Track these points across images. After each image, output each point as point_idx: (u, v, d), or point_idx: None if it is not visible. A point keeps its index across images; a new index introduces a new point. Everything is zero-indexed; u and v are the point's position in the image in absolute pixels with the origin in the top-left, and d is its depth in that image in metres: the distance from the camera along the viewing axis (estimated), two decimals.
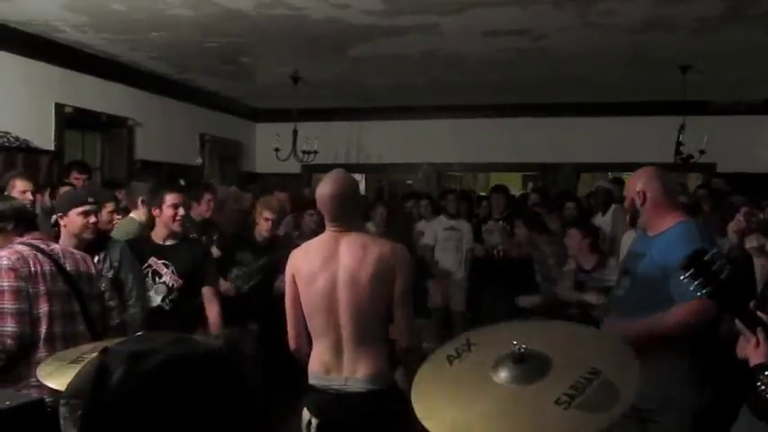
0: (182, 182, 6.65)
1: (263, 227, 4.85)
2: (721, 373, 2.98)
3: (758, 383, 1.87)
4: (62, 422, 1.01)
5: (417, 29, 5.21)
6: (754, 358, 1.92)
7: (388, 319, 2.78)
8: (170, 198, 3.88)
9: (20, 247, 2.82)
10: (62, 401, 1.03)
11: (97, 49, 6.03)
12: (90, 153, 6.86)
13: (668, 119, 7.15)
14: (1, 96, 5.34)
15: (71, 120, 6.09)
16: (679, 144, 6.83)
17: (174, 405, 0.86)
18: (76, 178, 5.29)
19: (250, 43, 5.81)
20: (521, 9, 4.72)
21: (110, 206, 4.03)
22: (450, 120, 8.99)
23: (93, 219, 3.34)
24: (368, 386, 2.70)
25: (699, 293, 1.90)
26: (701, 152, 6.77)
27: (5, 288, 2.68)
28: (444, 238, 6.82)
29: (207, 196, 5.14)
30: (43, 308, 2.76)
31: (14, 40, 5.38)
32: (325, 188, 2.76)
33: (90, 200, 3.37)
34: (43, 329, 2.75)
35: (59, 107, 5.92)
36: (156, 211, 3.92)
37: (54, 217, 3.51)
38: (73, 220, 3.31)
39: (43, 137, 5.73)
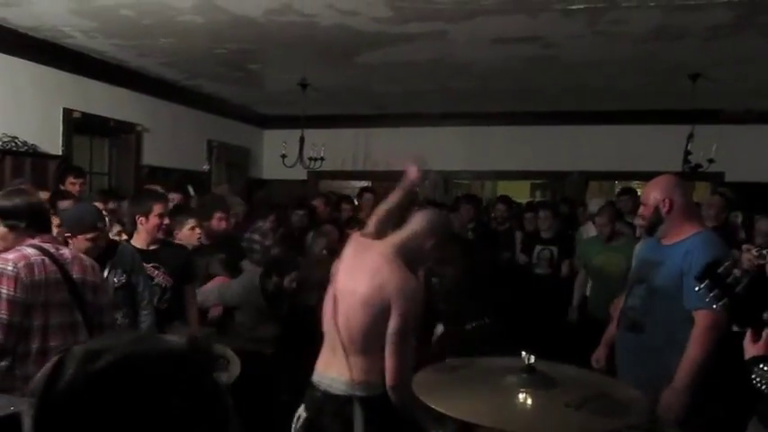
0: (189, 188, 6.66)
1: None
2: (732, 386, 2.96)
3: (753, 376, 1.88)
4: (24, 420, 1.00)
5: (426, 36, 5.20)
6: (750, 351, 1.93)
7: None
8: (157, 208, 4.02)
9: (29, 251, 2.72)
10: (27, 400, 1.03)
11: (106, 54, 6.04)
12: (98, 158, 6.88)
13: (677, 127, 7.11)
14: (9, 101, 5.35)
15: (79, 125, 6.10)
16: (687, 153, 6.79)
17: (124, 404, 0.84)
18: (72, 183, 5.30)
19: (259, 50, 5.81)
20: (530, 17, 4.70)
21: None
22: (458, 127, 8.97)
23: (101, 242, 3.42)
24: (350, 391, 2.70)
25: (714, 305, 1.89)
26: (710, 161, 6.72)
27: (2, 297, 2.59)
28: None
29: (218, 214, 5.09)
30: (38, 321, 2.65)
31: (23, 45, 5.39)
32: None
33: (99, 225, 3.42)
34: (36, 344, 2.64)
35: (67, 112, 5.93)
36: (141, 219, 4.02)
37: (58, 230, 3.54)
38: (80, 243, 3.36)
39: (51, 142, 5.74)
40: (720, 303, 1.89)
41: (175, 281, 4.07)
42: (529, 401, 1.82)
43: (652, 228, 3.12)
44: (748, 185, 7.56)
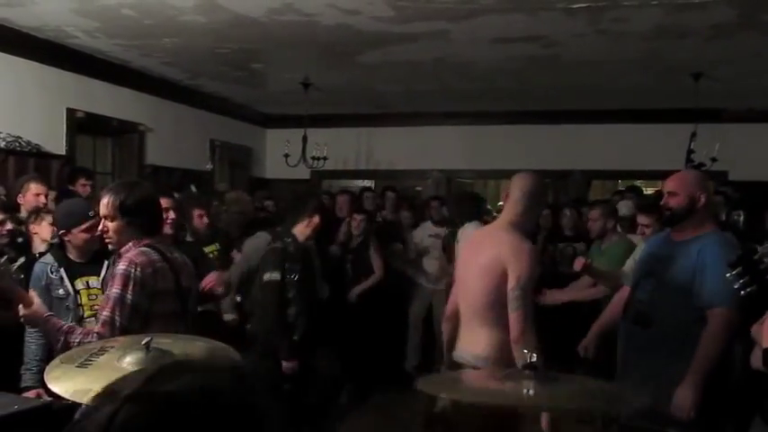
0: (192, 188, 6.68)
1: None
2: (736, 388, 2.97)
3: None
4: None
5: (428, 35, 5.21)
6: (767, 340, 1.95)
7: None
8: (162, 203, 3.88)
9: (154, 257, 2.62)
10: None
11: (109, 54, 6.06)
12: (101, 158, 6.90)
13: (680, 126, 7.10)
14: (13, 101, 5.37)
15: (82, 125, 6.11)
16: (690, 152, 6.78)
17: None
18: (83, 185, 5.31)
19: (261, 49, 5.82)
20: (531, 16, 4.70)
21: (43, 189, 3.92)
22: (461, 126, 8.97)
23: (96, 234, 3.26)
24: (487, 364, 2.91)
25: (742, 292, 1.90)
26: (713, 160, 6.72)
27: (128, 303, 2.52)
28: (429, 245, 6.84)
29: (197, 212, 4.84)
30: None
31: (27, 45, 5.41)
32: None
33: (90, 214, 3.32)
34: None
35: (71, 112, 5.95)
36: None
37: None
38: (76, 237, 3.34)
39: (55, 142, 5.76)
40: (748, 290, 1.90)
41: None
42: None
43: (678, 219, 3.04)
44: (752, 184, 7.54)
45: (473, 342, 3.00)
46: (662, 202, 3.10)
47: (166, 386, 0.83)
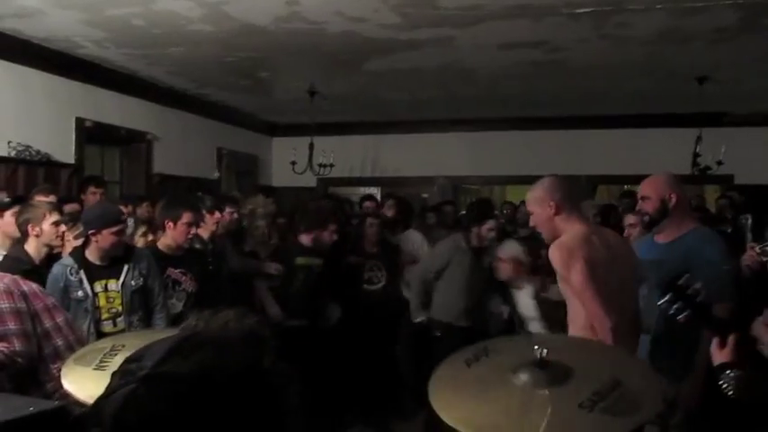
0: (200, 195, 6.70)
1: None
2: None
3: (720, 382, 1.93)
4: None
5: (433, 42, 5.24)
6: (718, 358, 2.01)
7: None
8: (186, 216, 4.05)
9: None
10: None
11: (117, 64, 6.11)
12: (109, 167, 6.95)
13: (685, 130, 7.12)
14: (23, 111, 5.42)
15: (91, 134, 6.16)
16: (696, 155, 6.79)
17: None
18: (93, 193, 5.35)
19: (267, 58, 5.86)
20: (535, 21, 4.73)
21: (52, 217, 3.75)
22: (466, 133, 9.01)
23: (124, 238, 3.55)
24: None
25: (678, 318, 1.98)
26: (719, 163, 6.72)
27: None
28: None
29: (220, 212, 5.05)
30: None
31: (36, 55, 5.47)
32: None
33: (122, 218, 3.58)
34: None
35: (80, 121, 6.00)
36: (169, 225, 4.05)
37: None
38: (105, 238, 3.44)
39: (64, 151, 5.81)
40: (683, 315, 1.97)
41: (200, 286, 4.14)
42: (543, 407, 1.81)
43: (655, 222, 3.11)
44: (758, 188, 7.54)
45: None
46: (637, 208, 3.17)
47: (180, 366, 0.86)
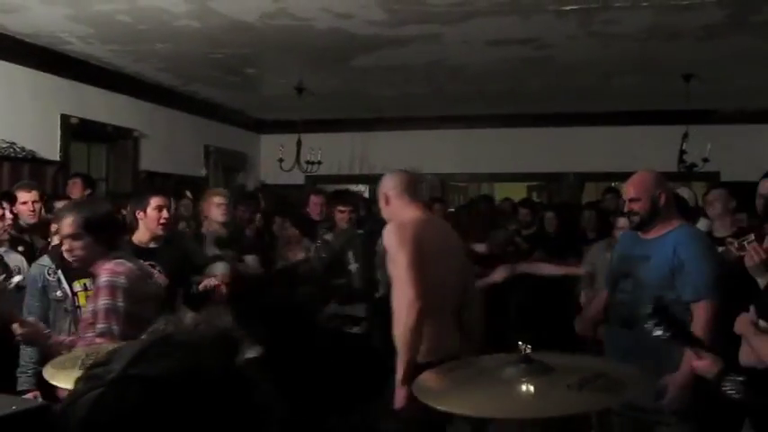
0: (188, 193, 6.67)
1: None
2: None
3: (724, 388, 1.97)
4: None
5: (421, 39, 5.24)
6: (704, 369, 2.14)
7: None
8: (155, 200, 3.85)
9: (131, 266, 2.78)
10: None
11: (103, 60, 6.07)
12: (95, 164, 6.90)
13: (672, 128, 7.15)
14: (7, 107, 5.37)
15: (77, 131, 6.11)
16: (682, 152, 6.82)
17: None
18: (83, 192, 5.30)
19: (255, 54, 5.84)
20: (523, 18, 4.74)
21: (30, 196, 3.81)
22: (455, 130, 9.01)
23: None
24: None
25: (663, 337, 2.10)
26: (705, 160, 6.76)
27: (120, 311, 2.65)
28: None
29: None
30: None
31: (21, 51, 5.42)
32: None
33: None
34: None
35: (65, 118, 5.95)
36: (140, 215, 3.87)
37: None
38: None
39: (49, 148, 5.76)
40: (669, 334, 2.09)
41: (171, 281, 3.83)
42: (531, 388, 1.87)
43: (645, 223, 3.11)
44: (744, 185, 7.55)
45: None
46: (626, 209, 3.16)
47: (150, 369, 0.84)
